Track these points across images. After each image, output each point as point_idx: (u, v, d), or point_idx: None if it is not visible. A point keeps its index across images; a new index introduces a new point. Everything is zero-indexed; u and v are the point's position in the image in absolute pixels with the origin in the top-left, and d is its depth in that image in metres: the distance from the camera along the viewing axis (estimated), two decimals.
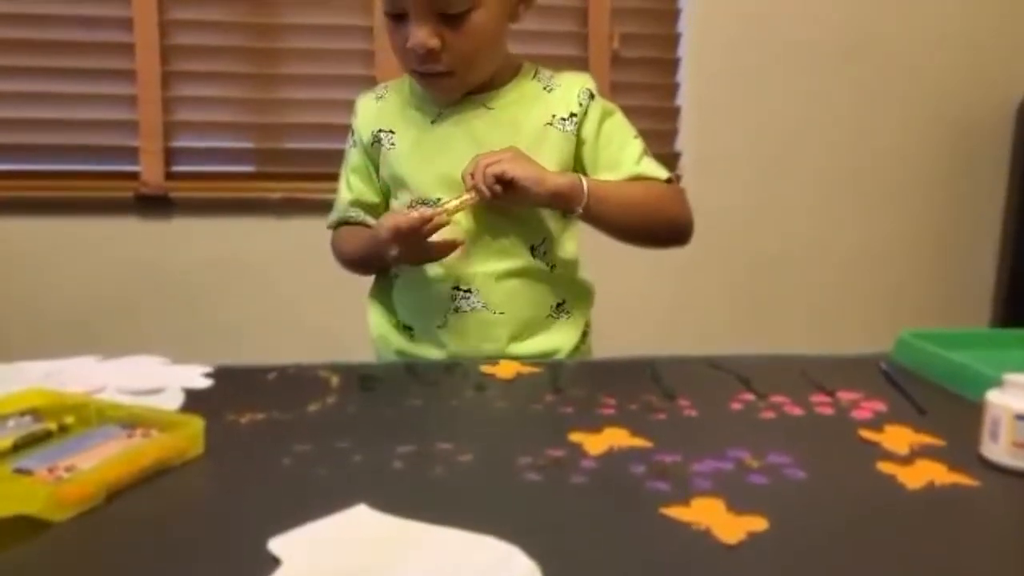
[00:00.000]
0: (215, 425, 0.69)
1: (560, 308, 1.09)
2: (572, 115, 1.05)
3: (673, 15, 2.28)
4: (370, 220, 1.12)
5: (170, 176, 2.08)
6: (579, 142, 1.06)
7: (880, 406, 0.80)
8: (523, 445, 0.68)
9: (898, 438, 0.71)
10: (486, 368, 0.92)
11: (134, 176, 2.06)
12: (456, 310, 1.05)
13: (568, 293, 1.10)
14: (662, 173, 1.08)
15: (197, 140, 2.13)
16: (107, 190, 2.06)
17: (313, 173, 2.07)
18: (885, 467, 0.65)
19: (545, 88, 1.07)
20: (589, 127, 1.06)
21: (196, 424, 0.67)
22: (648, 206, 1.05)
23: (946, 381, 0.87)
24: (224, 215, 2.10)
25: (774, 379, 0.87)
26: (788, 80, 2.29)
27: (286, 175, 2.13)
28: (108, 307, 2.06)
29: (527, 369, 0.93)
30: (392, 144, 1.08)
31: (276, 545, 0.51)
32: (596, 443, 0.69)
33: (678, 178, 1.87)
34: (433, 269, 1.04)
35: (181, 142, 2.10)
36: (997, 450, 0.65)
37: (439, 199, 1.02)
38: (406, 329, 1.11)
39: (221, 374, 0.88)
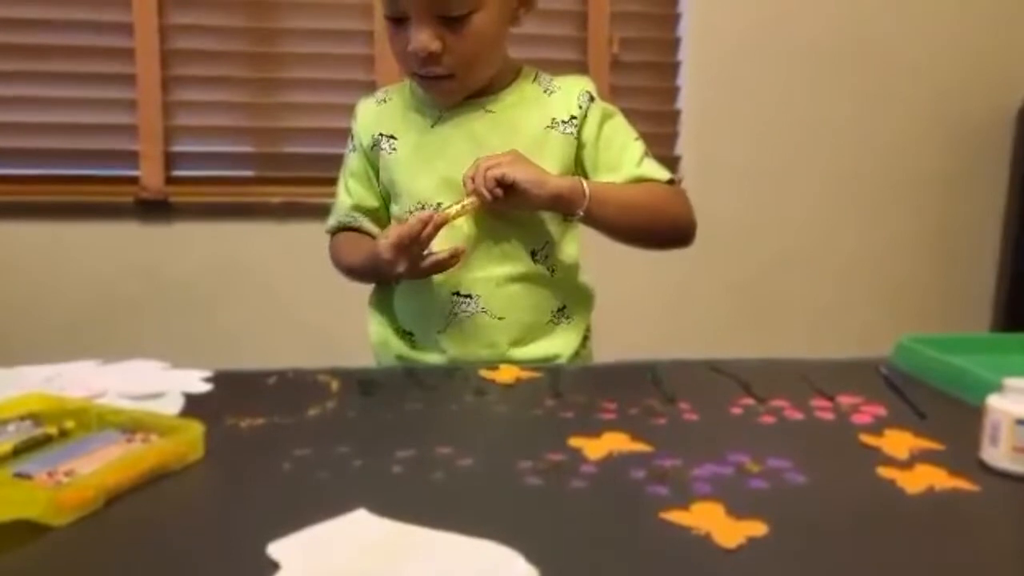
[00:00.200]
0: (215, 430, 0.69)
1: (561, 313, 1.09)
2: (572, 118, 1.05)
3: (673, 19, 2.29)
4: (369, 225, 1.12)
5: (170, 180, 2.08)
6: (579, 145, 1.06)
7: (880, 411, 0.80)
8: (523, 450, 0.68)
9: (898, 443, 0.71)
10: (486, 373, 0.92)
11: (134, 180, 2.06)
12: (456, 315, 1.05)
13: (569, 297, 1.10)
14: (663, 174, 1.07)
15: (197, 144, 2.13)
16: (107, 194, 2.07)
17: (313, 177, 2.07)
18: (885, 472, 0.65)
19: (545, 91, 1.07)
20: (589, 130, 1.06)
21: (196, 429, 0.67)
22: (650, 207, 1.05)
23: (946, 385, 0.87)
24: (224, 219, 2.10)
25: (774, 383, 0.87)
26: (788, 84, 2.30)
27: (286, 179, 2.13)
28: (108, 311, 2.07)
29: (527, 374, 0.93)
30: (393, 148, 1.08)
31: (276, 549, 0.51)
32: (596, 447, 0.69)
33: (679, 181, 1.87)
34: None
35: (181, 147, 2.11)
36: (997, 455, 0.65)
37: (439, 204, 1.02)
38: (406, 335, 1.11)
39: (221, 378, 0.87)
